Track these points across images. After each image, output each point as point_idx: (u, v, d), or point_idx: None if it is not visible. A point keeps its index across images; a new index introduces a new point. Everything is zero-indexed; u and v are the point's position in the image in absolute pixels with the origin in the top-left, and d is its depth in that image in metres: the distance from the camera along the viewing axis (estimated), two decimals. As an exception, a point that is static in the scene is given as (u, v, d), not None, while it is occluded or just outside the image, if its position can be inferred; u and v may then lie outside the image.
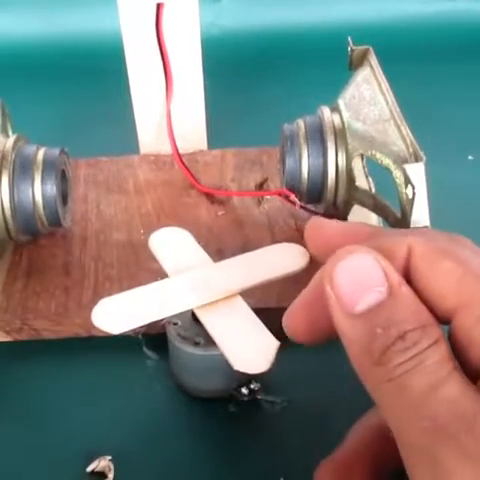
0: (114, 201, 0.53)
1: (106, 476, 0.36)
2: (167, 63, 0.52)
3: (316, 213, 0.49)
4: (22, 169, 0.45)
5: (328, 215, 0.49)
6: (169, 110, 0.53)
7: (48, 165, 0.45)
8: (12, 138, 0.46)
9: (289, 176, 0.46)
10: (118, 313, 0.34)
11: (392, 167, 0.41)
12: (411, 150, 0.40)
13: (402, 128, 0.42)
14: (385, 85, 0.46)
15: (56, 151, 0.46)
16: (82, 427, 0.39)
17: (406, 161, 0.40)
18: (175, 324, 0.38)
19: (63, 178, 0.47)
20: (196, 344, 0.38)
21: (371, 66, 0.48)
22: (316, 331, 0.28)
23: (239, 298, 0.36)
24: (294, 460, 0.37)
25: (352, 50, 0.50)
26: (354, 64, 0.50)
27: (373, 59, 0.49)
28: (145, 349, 0.42)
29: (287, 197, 0.46)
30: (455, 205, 0.53)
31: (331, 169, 0.45)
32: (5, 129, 0.48)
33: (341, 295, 0.23)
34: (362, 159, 0.49)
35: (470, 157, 0.62)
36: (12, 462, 0.37)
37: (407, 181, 0.38)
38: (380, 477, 0.28)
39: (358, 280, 0.23)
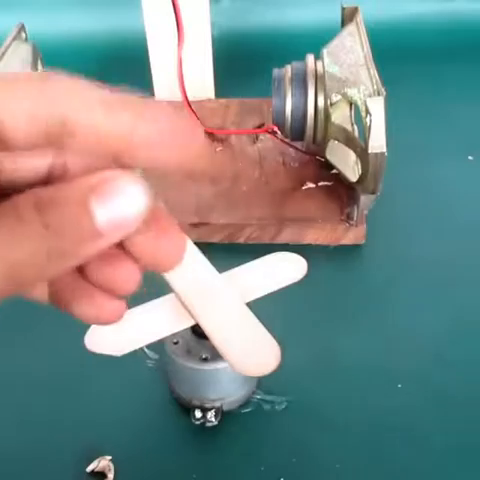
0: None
1: (106, 476, 0.36)
2: (179, 17, 0.59)
3: (298, 149, 0.55)
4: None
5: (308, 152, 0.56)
6: (180, 57, 0.60)
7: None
8: (39, 72, 0.53)
9: (275, 113, 0.52)
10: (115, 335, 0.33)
11: (359, 102, 0.47)
12: (375, 87, 0.46)
13: (371, 70, 0.48)
14: (364, 37, 0.52)
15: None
16: (82, 427, 0.39)
17: (370, 96, 0.46)
18: (175, 343, 0.38)
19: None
20: (203, 359, 0.37)
21: (357, 23, 0.54)
22: None
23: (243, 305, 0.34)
24: (294, 460, 0.37)
25: (343, 8, 0.57)
26: (345, 21, 0.56)
27: (359, 17, 0.55)
28: (145, 349, 0.42)
29: (273, 132, 0.53)
30: (455, 205, 0.55)
31: (310, 108, 0.51)
32: (35, 66, 0.56)
33: None
34: (351, 109, 0.55)
35: (470, 157, 0.62)
36: (13, 462, 0.38)
37: (367, 111, 0.45)
38: None
39: None
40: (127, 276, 0.26)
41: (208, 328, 0.32)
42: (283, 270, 0.37)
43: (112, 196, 0.22)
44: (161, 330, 0.34)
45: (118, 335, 0.33)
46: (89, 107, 0.22)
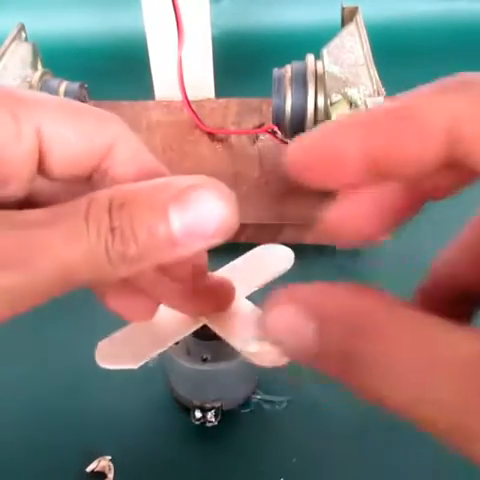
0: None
1: (106, 476, 0.36)
2: (179, 17, 0.59)
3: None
4: (46, 98, 0.52)
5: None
6: (180, 57, 0.60)
7: (69, 96, 0.53)
8: (39, 72, 0.53)
9: (275, 112, 0.52)
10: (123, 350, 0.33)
11: (359, 102, 0.47)
12: (375, 87, 0.46)
13: (371, 71, 0.48)
14: (364, 37, 0.52)
15: (76, 85, 0.54)
16: (82, 427, 0.39)
17: (370, 96, 0.46)
18: (176, 344, 0.38)
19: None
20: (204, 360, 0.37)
21: (357, 22, 0.54)
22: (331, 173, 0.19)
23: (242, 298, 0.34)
24: (294, 460, 0.37)
25: (343, 8, 0.57)
26: (345, 21, 0.56)
27: (359, 17, 0.55)
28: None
29: (273, 132, 0.53)
30: (455, 205, 0.55)
31: (310, 107, 0.51)
32: (35, 66, 0.56)
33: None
34: (351, 108, 0.55)
35: (470, 157, 0.63)
36: (13, 462, 0.38)
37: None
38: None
39: None
40: (144, 309, 0.27)
41: (219, 328, 0.32)
42: (271, 261, 0.36)
43: (193, 205, 0.20)
44: (171, 335, 0.33)
45: (129, 347, 0.32)
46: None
